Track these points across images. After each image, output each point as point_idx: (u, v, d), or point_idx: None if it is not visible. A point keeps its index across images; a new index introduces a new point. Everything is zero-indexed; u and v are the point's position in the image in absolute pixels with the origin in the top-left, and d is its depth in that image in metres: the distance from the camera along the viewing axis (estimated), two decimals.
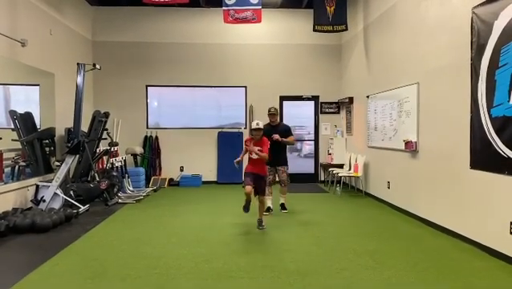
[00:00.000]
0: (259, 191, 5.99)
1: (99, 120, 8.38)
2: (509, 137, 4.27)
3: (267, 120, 7.02)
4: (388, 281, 3.87)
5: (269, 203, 6.87)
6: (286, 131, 7.04)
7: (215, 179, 10.85)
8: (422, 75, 6.33)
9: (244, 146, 6.13)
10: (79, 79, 7.28)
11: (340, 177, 9.21)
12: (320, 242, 5.22)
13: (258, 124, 5.98)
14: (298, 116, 11.49)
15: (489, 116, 4.60)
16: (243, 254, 4.73)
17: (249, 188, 5.78)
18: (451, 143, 5.48)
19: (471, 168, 4.98)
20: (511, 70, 4.24)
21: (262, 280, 3.90)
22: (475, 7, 4.90)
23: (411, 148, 6.58)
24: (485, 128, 4.66)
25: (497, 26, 4.48)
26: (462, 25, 5.16)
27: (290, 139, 6.97)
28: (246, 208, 5.94)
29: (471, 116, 4.95)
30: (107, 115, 8.54)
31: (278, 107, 10.89)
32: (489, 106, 4.60)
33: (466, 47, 5.06)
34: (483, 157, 4.74)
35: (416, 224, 6.22)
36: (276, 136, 6.67)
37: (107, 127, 8.70)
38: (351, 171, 9.31)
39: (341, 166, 10.03)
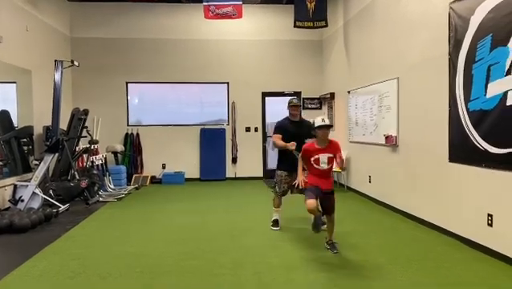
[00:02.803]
0: (328, 211, 4.52)
1: (79, 118, 8.25)
2: (486, 130, 4.35)
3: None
4: (370, 274, 3.90)
5: (276, 216, 5.71)
6: (310, 128, 5.17)
7: (198, 176, 10.80)
8: (402, 70, 6.40)
9: (300, 157, 4.61)
10: (57, 76, 7.15)
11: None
12: (303, 236, 5.23)
13: (323, 119, 4.44)
14: (281, 112, 11.43)
15: (467, 109, 4.67)
16: (226, 251, 4.72)
17: (312, 202, 4.23)
18: (430, 137, 5.56)
19: (450, 161, 5.06)
20: (487, 64, 4.32)
21: (245, 276, 3.89)
22: (452, 2, 4.97)
23: (391, 142, 6.65)
24: (462, 121, 4.74)
25: (474, 21, 4.55)
26: (440, 20, 5.23)
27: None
28: (317, 226, 4.33)
29: (449, 110, 5.02)
30: (86, 112, 8.41)
31: (260, 103, 10.99)
32: (467, 100, 4.67)
33: (444, 42, 5.12)
34: (461, 150, 4.82)
35: (397, 217, 6.30)
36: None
37: (86, 124, 8.57)
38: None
39: None
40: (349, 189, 8.86)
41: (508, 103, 4.01)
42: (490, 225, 4.35)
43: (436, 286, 3.63)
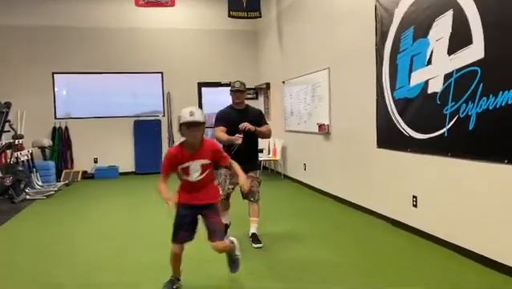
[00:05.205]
0: (214, 235, 3.29)
1: (0, 112, 7.68)
2: (411, 117, 4.62)
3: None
4: (306, 258, 4.02)
5: (226, 220, 4.62)
6: (258, 117, 4.74)
7: (133, 170, 10.50)
8: (332, 61, 6.61)
9: (162, 168, 3.19)
10: None
11: (260, 161, 9.35)
12: (240, 225, 5.26)
13: (192, 113, 3.01)
14: (218, 102, 11.41)
15: (393, 98, 4.93)
16: (163, 246, 4.59)
17: (177, 248, 3.28)
18: (360, 124, 5.81)
19: (378, 147, 5.32)
20: (410, 54, 4.58)
21: (184, 269, 3.85)
22: None
23: (324, 130, 6.87)
24: (389, 109, 5.00)
25: (398, 13, 4.79)
26: (368, 12, 5.44)
27: (265, 128, 4.63)
28: (171, 284, 3.37)
29: (377, 99, 5.27)
30: (8, 105, 7.84)
31: (196, 94, 10.85)
32: (393, 89, 4.93)
33: (372, 34, 5.35)
34: (388, 137, 5.09)
35: (331, 203, 6.53)
36: (247, 125, 4.35)
37: (9, 118, 7.99)
38: (270, 155, 9.52)
39: (261, 151, 10.16)
40: (286, 177, 9.05)
41: (429, 91, 4.28)
42: (415, 206, 4.65)
43: (370, 265, 3.83)
